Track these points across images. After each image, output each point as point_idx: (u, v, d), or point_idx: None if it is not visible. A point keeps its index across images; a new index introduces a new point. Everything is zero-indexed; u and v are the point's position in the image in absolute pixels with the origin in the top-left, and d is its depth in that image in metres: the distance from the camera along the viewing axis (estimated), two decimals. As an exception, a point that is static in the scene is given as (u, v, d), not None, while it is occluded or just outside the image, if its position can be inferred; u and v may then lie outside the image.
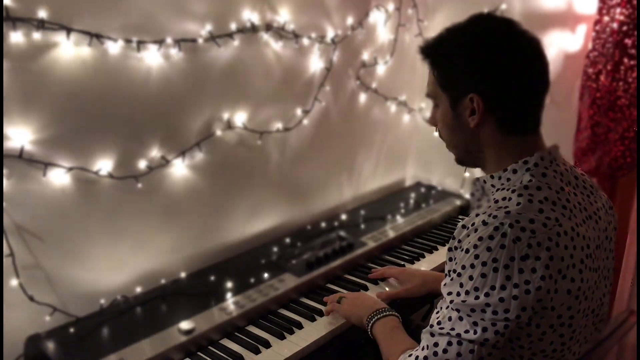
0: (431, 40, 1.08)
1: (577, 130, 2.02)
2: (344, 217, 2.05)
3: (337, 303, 1.42)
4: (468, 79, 1.02)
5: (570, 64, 2.02)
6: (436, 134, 1.15)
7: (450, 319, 0.97)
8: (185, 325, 1.37)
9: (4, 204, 1.33)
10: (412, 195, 2.29)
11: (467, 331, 0.94)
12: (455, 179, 2.37)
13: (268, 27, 1.77)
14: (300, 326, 1.44)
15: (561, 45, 2.02)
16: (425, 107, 2.43)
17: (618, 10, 1.83)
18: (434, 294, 1.54)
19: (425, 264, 1.78)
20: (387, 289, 1.61)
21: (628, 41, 1.83)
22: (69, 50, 1.37)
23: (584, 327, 1.04)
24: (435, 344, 0.97)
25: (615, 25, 1.84)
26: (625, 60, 1.85)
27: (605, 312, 1.11)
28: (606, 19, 1.87)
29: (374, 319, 1.27)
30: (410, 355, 1.03)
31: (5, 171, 1.32)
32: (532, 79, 1.02)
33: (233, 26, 1.67)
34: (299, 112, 1.96)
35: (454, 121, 1.07)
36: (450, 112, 1.07)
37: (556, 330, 0.97)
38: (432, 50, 1.08)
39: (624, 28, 1.83)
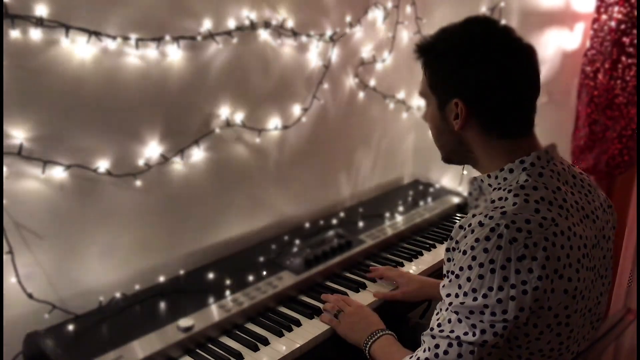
0: (426, 40, 1.09)
1: (574, 129, 2.03)
2: (342, 214, 2.05)
3: (335, 317, 1.42)
4: (453, 84, 1.03)
5: (568, 62, 2.02)
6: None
7: (449, 321, 0.98)
8: (184, 322, 1.37)
9: (3, 201, 1.33)
10: (410, 193, 2.29)
11: (466, 333, 0.95)
12: (453, 176, 2.37)
13: (266, 24, 1.77)
14: (298, 324, 1.44)
15: (559, 44, 2.03)
16: (423, 105, 2.43)
17: (616, 8, 1.84)
18: (430, 300, 1.55)
19: (424, 262, 1.78)
20: (383, 285, 1.62)
21: (626, 39, 1.84)
22: (67, 48, 1.37)
23: (582, 327, 1.05)
24: (436, 346, 0.98)
25: (613, 23, 1.85)
26: (623, 58, 1.85)
27: (602, 311, 1.12)
28: (604, 17, 1.88)
29: (370, 342, 1.28)
30: (411, 357, 1.04)
31: (4, 168, 1.32)
32: (519, 87, 1.02)
33: (232, 24, 1.67)
34: (297, 110, 1.96)
35: (441, 122, 1.08)
36: (438, 114, 1.08)
37: (553, 329, 0.98)
38: (425, 51, 1.09)
39: (622, 26, 1.83)
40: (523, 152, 1.03)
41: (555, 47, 2.03)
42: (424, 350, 1.01)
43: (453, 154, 1.12)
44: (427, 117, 1.14)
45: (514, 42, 1.02)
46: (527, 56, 1.03)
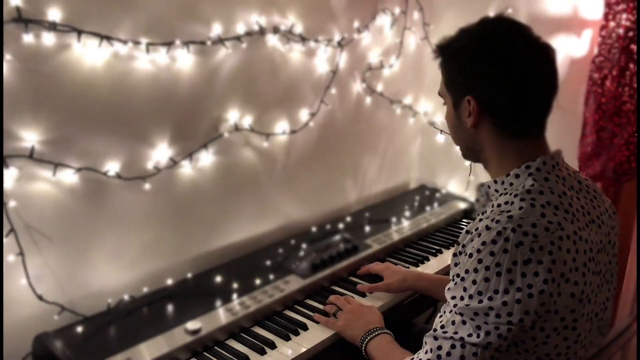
0: (444, 40, 1.10)
1: (582, 135, 2.03)
2: (348, 219, 2.06)
3: (334, 316, 1.44)
4: (466, 81, 1.05)
5: (575, 69, 2.02)
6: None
7: (453, 322, 0.98)
8: (191, 325, 1.38)
9: (14, 203, 1.35)
10: (417, 198, 2.29)
11: (470, 335, 0.95)
12: (460, 182, 2.37)
13: (275, 30, 1.78)
14: (305, 327, 1.45)
15: (567, 50, 2.03)
16: (431, 110, 2.44)
17: (624, 15, 1.84)
18: (414, 291, 1.58)
19: (430, 267, 1.78)
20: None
21: (634, 47, 1.84)
22: (79, 52, 1.38)
23: (588, 331, 1.05)
24: (439, 347, 0.98)
25: (621, 30, 1.85)
26: (631, 65, 1.85)
27: (609, 316, 1.12)
28: (612, 24, 1.88)
29: (367, 339, 1.29)
30: (412, 359, 1.04)
31: (15, 171, 1.33)
32: (533, 84, 1.01)
33: (241, 29, 1.69)
34: (305, 114, 1.97)
35: (456, 120, 1.10)
36: (453, 112, 1.10)
37: (560, 333, 0.98)
38: (442, 50, 1.10)
39: (630, 34, 1.83)
40: (532, 154, 1.04)
41: (562, 53, 2.03)
42: (426, 352, 1.01)
43: (468, 152, 1.13)
44: (445, 116, 1.15)
45: (528, 39, 1.02)
46: (542, 54, 1.02)
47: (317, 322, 1.46)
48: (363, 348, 1.28)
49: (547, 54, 1.03)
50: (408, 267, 1.76)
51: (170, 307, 1.50)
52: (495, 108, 1.03)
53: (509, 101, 1.02)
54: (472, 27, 1.07)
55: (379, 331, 1.29)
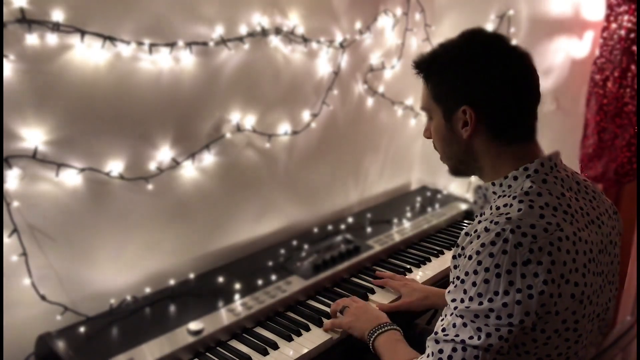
0: (424, 55, 1.11)
1: (583, 136, 2.03)
2: (350, 220, 2.06)
3: (340, 313, 1.43)
4: (460, 91, 1.05)
5: (577, 70, 2.03)
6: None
7: (454, 325, 0.98)
8: (193, 326, 1.38)
9: (17, 203, 1.35)
10: (418, 199, 2.29)
11: (471, 337, 0.95)
12: (461, 183, 2.38)
13: (277, 31, 1.78)
14: (307, 328, 1.45)
15: (568, 52, 2.03)
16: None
17: (626, 17, 1.84)
18: (434, 309, 1.54)
19: (431, 268, 1.78)
20: (391, 291, 1.62)
21: (635, 48, 1.84)
22: (82, 53, 1.39)
23: (590, 332, 1.05)
24: (440, 351, 0.98)
25: (622, 32, 1.85)
26: (633, 67, 1.85)
27: (610, 317, 1.12)
28: (614, 25, 1.88)
29: (375, 334, 1.27)
30: None
31: (18, 171, 1.34)
32: (522, 91, 1.04)
33: (243, 30, 1.69)
34: (307, 115, 1.98)
35: (447, 133, 1.09)
36: (444, 124, 1.09)
37: (561, 334, 0.98)
38: (426, 65, 1.11)
39: (632, 35, 1.84)
40: (528, 159, 1.05)
41: (564, 55, 2.04)
42: (428, 356, 1.01)
43: (461, 165, 1.12)
44: (430, 131, 1.15)
45: (512, 49, 1.05)
46: (526, 62, 1.05)
47: (320, 324, 1.45)
48: (371, 342, 1.26)
49: (528, 61, 1.06)
50: (410, 269, 1.76)
51: (172, 308, 1.50)
52: (492, 116, 1.04)
53: (505, 108, 1.03)
54: (454, 40, 1.08)
55: (389, 327, 1.28)
